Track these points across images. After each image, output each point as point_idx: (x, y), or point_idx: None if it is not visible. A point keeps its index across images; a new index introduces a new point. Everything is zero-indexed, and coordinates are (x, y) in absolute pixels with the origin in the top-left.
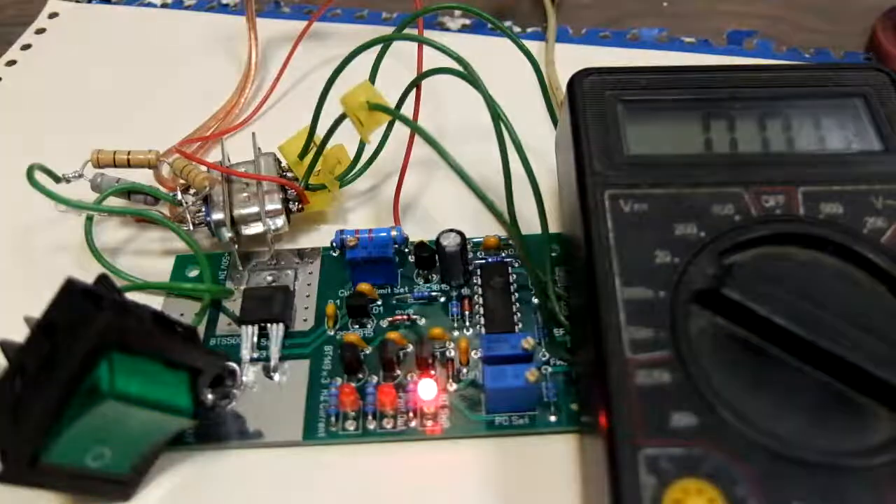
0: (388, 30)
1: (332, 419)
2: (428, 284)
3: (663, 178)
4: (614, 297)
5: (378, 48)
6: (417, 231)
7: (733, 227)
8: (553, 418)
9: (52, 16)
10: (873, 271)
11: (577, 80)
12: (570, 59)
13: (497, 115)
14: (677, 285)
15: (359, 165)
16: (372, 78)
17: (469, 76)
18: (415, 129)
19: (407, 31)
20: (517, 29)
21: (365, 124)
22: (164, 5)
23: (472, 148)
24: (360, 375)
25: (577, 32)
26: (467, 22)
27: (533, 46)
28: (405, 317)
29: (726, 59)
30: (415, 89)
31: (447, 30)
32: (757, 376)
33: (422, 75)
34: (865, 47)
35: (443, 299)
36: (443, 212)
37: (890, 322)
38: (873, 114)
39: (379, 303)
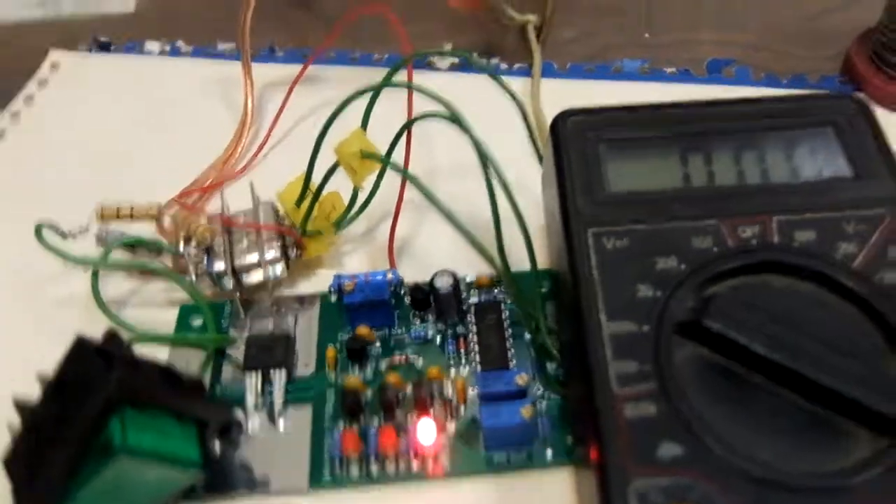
0: (380, 71)
1: (337, 464)
2: (424, 324)
3: (643, 214)
4: (600, 332)
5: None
6: (412, 271)
7: (712, 259)
8: (550, 453)
9: (54, 66)
10: (847, 295)
11: (560, 121)
12: (557, 93)
13: (485, 162)
14: (660, 318)
15: (353, 210)
16: (364, 124)
17: (457, 120)
18: (405, 175)
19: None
20: (504, 66)
21: (358, 172)
22: (161, 52)
23: (464, 186)
24: (361, 418)
25: (563, 67)
26: (456, 60)
27: (520, 82)
28: (403, 357)
29: (707, 88)
30: (405, 134)
31: (437, 69)
32: (740, 403)
33: (411, 121)
34: (841, 70)
35: (439, 338)
36: (436, 251)
37: (865, 344)
38: (844, 141)
39: (377, 344)
